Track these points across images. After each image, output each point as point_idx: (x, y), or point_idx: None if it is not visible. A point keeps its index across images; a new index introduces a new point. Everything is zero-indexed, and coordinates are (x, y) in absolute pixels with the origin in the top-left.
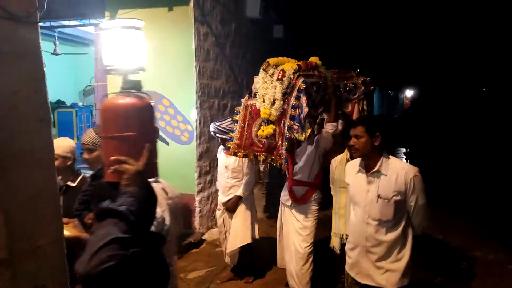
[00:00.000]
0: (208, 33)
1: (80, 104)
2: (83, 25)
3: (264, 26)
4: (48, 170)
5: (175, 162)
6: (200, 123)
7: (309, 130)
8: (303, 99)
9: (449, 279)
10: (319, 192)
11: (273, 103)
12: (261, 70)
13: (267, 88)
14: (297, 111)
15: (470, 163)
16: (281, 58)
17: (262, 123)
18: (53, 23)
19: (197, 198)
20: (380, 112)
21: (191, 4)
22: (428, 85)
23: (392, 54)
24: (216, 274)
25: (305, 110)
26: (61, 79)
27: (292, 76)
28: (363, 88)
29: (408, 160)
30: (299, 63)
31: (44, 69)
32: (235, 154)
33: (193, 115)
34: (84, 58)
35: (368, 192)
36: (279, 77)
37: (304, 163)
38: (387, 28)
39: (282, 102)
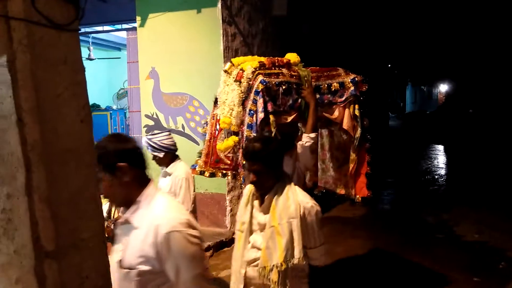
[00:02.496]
0: (236, 33)
1: (114, 107)
2: (116, 30)
3: (292, 24)
4: (90, 168)
5: None
6: None
7: None
8: (259, 103)
9: (487, 280)
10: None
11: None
12: (222, 72)
13: (228, 92)
14: (254, 118)
15: (509, 159)
16: (248, 57)
17: (223, 135)
18: (87, 29)
19: (228, 197)
20: (413, 108)
21: (219, 5)
22: (464, 79)
23: (425, 47)
24: None
25: (260, 116)
26: (95, 83)
27: (251, 76)
28: (352, 88)
29: (446, 156)
30: (263, 60)
31: (84, 73)
32: (201, 173)
33: None
34: (117, 62)
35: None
36: (237, 78)
37: (304, 162)
38: (419, 21)
39: (241, 108)
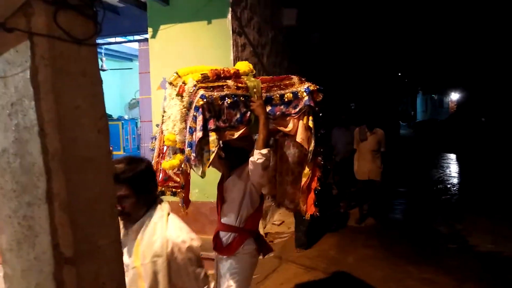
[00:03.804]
0: (246, 44)
1: (126, 117)
2: (128, 41)
3: (301, 34)
4: (107, 177)
5: None
6: None
7: (208, 162)
8: (199, 120)
9: None
10: (253, 242)
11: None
12: (167, 84)
13: (172, 106)
14: (193, 136)
15: None
16: (196, 66)
17: (171, 152)
18: (99, 41)
19: None
20: (424, 117)
21: (229, 16)
22: (475, 88)
23: (436, 56)
24: (257, 283)
25: (198, 135)
26: (108, 93)
27: (192, 90)
28: (306, 98)
29: (459, 165)
30: (206, 72)
31: (101, 85)
32: None
33: None
34: (129, 73)
35: None
36: (179, 91)
37: (230, 202)
38: (430, 30)
39: (183, 125)
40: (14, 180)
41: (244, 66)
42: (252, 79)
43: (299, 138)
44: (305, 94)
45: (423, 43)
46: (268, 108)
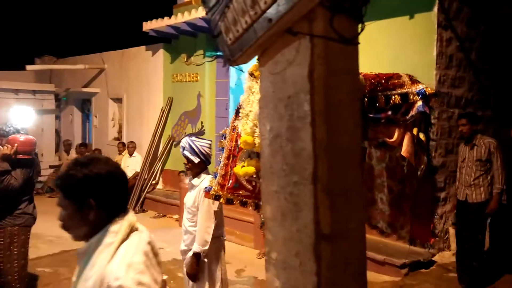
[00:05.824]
0: (452, 38)
1: None
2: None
3: None
4: (359, 166)
5: None
6: (437, 135)
7: None
8: None
9: None
10: None
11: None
12: (247, 75)
13: (253, 102)
14: None
15: None
16: None
17: (245, 155)
18: None
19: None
20: None
21: (435, 9)
22: None
23: None
24: None
25: None
26: None
27: None
28: (420, 104)
29: None
30: None
31: (359, 82)
32: (216, 198)
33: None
34: None
35: None
36: None
37: None
38: None
39: None
40: (284, 161)
41: None
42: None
43: (404, 152)
44: (417, 97)
45: None
46: (371, 114)
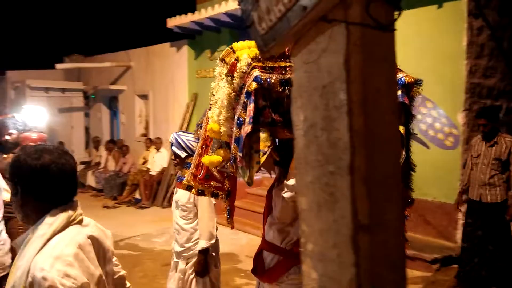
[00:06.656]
0: (483, 27)
1: None
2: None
3: None
4: (396, 156)
5: (435, 168)
6: (468, 127)
7: (257, 167)
8: (249, 109)
9: None
10: (298, 270)
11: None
12: (218, 61)
13: (220, 89)
14: (241, 130)
15: None
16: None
17: (216, 144)
18: None
19: (462, 209)
20: None
21: None
22: None
23: None
24: None
25: (246, 129)
26: None
27: (245, 70)
28: (399, 94)
29: None
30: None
31: (396, 70)
32: (188, 188)
33: (460, 118)
34: None
35: None
36: (230, 71)
37: (279, 215)
38: None
39: (230, 114)
40: (320, 152)
41: None
42: None
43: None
44: (398, 87)
45: None
46: None
